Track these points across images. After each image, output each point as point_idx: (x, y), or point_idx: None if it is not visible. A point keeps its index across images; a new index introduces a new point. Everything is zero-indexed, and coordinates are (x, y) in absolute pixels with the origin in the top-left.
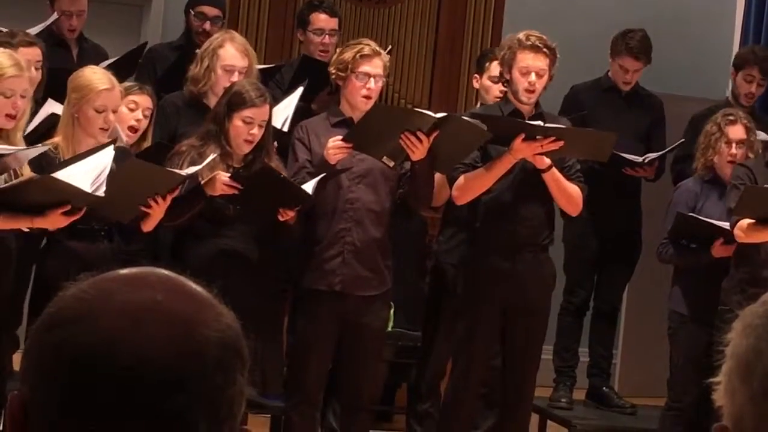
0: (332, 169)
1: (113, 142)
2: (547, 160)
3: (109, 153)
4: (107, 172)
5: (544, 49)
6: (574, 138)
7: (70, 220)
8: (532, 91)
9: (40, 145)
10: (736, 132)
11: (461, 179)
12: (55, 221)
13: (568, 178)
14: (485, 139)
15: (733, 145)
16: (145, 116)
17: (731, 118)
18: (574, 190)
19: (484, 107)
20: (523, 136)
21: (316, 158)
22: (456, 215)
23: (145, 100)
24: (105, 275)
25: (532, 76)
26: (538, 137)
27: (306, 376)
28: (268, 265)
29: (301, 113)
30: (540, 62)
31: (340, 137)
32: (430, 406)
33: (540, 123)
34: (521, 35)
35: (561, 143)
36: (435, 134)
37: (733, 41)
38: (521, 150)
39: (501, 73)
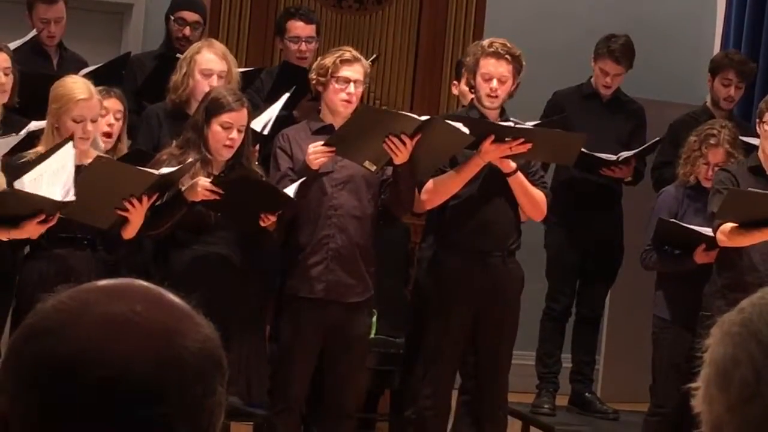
0: (314, 174)
1: (70, 138)
2: (513, 164)
3: (68, 150)
4: (72, 170)
5: (507, 56)
6: (543, 139)
7: (46, 228)
8: (495, 97)
9: (13, 134)
10: (716, 156)
11: (430, 183)
12: (31, 231)
13: (533, 183)
14: (467, 143)
15: (712, 168)
16: (117, 119)
17: (713, 141)
18: (539, 195)
19: (446, 115)
20: (492, 138)
21: (298, 166)
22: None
23: (114, 104)
24: (83, 286)
25: (494, 82)
26: (507, 139)
27: (289, 383)
28: (250, 271)
29: (283, 121)
30: (502, 68)
31: (321, 142)
32: (413, 413)
33: (510, 124)
34: (485, 42)
35: (529, 145)
36: (417, 137)
37: (713, 47)
38: (490, 152)
39: (468, 80)
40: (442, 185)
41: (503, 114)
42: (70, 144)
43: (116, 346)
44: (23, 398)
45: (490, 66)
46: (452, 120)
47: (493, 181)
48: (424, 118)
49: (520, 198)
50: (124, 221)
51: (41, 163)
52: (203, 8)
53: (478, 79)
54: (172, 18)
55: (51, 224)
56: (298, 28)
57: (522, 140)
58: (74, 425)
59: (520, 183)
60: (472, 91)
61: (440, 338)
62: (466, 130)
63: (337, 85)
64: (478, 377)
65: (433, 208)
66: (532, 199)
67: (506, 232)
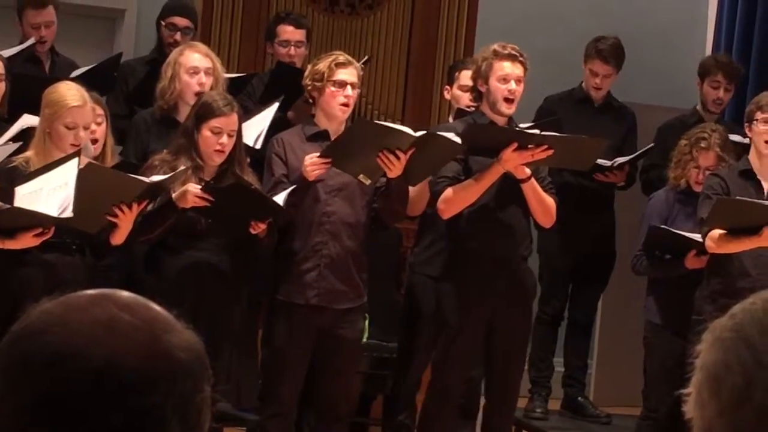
0: (309, 184)
1: (77, 153)
2: (528, 171)
3: (74, 165)
4: (73, 187)
5: (520, 58)
6: (566, 146)
7: (41, 240)
8: (512, 100)
9: (10, 142)
10: (707, 160)
11: (449, 192)
12: (26, 242)
13: (543, 189)
14: (457, 153)
15: (702, 171)
16: (98, 123)
17: (703, 145)
18: (550, 201)
19: (468, 124)
20: (515, 145)
21: (293, 172)
22: (431, 226)
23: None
24: (69, 296)
25: (512, 84)
26: (529, 146)
27: (281, 387)
28: (241, 277)
29: (276, 123)
30: (518, 70)
31: (317, 154)
32: (406, 417)
33: (537, 131)
34: (496, 46)
35: (551, 152)
36: (411, 151)
37: (705, 51)
38: (512, 159)
39: (474, 87)
40: (462, 194)
41: (510, 120)
42: (75, 161)
43: (105, 341)
44: (12, 398)
45: (507, 68)
46: (475, 128)
47: (507, 187)
48: (419, 133)
49: (533, 204)
50: (113, 227)
51: (41, 175)
52: (194, 14)
53: (494, 82)
54: (163, 24)
55: (47, 237)
56: (288, 32)
57: (544, 147)
58: (65, 420)
59: (533, 189)
60: (477, 98)
61: (454, 346)
62: (457, 140)
63: (333, 89)
64: (489, 385)
65: (449, 217)
66: (544, 206)
67: (520, 238)
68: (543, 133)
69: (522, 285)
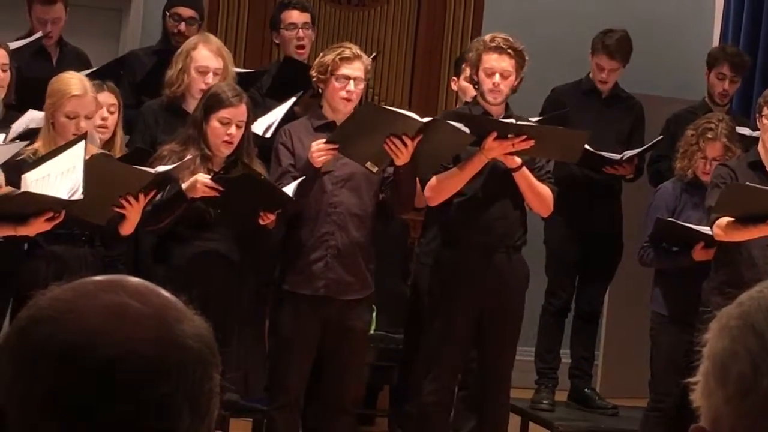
0: (316, 172)
1: (84, 137)
2: (518, 160)
3: (80, 149)
4: (81, 170)
5: (509, 50)
6: (546, 137)
7: (53, 225)
8: (498, 92)
9: (17, 140)
10: (714, 150)
11: (433, 180)
12: (38, 228)
13: (539, 179)
14: (468, 143)
15: (709, 162)
16: (111, 113)
17: (710, 135)
18: (545, 190)
19: (448, 111)
20: (495, 134)
21: (300, 162)
22: (437, 217)
23: (107, 97)
24: (78, 281)
25: (496, 77)
26: (509, 136)
27: (288, 378)
28: (249, 267)
29: (283, 116)
30: (504, 63)
31: (324, 140)
32: (414, 407)
33: (512, 121)
34: (487, 37)
35: (532, 142)
36: (419, 138)
37: (712, 43)
38: (493, 149)
39: (470, 76)
40: (446, 182)
41: (507, 110)
42: (81, 144)
43: (116, 329)
44: (20, 387)
45: (492, 61)
46: (455, 116)
47: (498, 177)
48: (426, 119)
49: (527, 194)
50: (122, 218)
51: (48, 161)
52: (200, 4)
53: (481, 74)
54: (168, 14)
55: (58, 221)
56: (294, 16)
57: (524, 137)
58: (77, 410)
59: (525, 178)
60: (476, 86)
61: (444, 335)
62: (466, 130)
63: (337, 83)
64: (481, 374)
65: (436, 205)
66: (538, 195)
67: (512, 229)
68: (519, 123)
69: (513, 274)
